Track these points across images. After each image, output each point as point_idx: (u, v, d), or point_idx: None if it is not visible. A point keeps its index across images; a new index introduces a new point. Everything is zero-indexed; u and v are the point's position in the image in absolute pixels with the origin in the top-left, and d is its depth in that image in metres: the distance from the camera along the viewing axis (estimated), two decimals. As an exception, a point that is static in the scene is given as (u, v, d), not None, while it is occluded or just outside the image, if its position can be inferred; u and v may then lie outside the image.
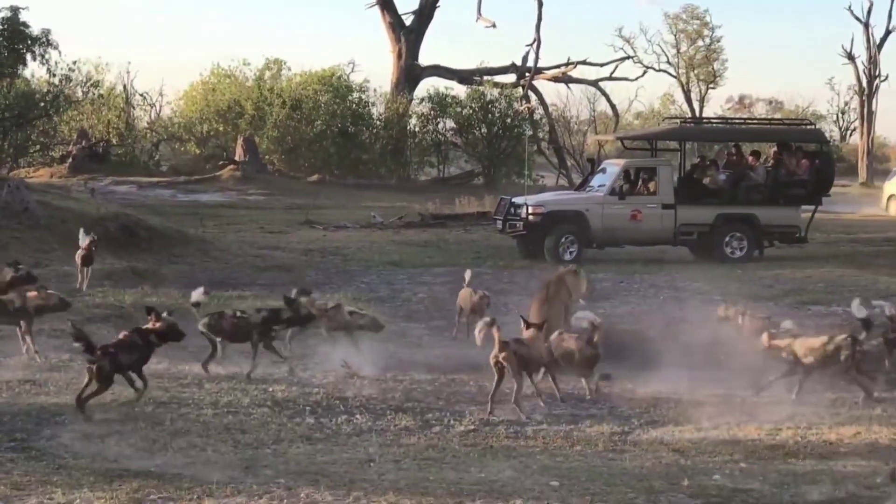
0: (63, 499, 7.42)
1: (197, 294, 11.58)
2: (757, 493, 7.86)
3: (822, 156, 23.52)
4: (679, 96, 66.74)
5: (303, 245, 23.67)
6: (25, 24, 36.05)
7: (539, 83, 49.84)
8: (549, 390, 10.73)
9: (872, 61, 57.01)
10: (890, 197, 36.95)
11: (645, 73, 59.43)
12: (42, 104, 40.11)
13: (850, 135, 68.60)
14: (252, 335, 11.43)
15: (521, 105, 46.91)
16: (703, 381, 11.39)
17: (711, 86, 66.48)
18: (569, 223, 22.08)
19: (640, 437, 9.46)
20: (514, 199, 23.09)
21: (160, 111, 51.67)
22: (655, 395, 11.00)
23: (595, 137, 41.07)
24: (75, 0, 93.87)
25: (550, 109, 49.87)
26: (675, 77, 65.16)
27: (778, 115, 61.34)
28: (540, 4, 48.73)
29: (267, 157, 45.41)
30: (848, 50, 57.08)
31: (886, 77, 57.39)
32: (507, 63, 49.94)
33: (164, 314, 10.31)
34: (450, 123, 47.19)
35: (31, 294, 12.13)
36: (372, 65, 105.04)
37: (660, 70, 63.42)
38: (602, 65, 52.68)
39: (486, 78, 48.49)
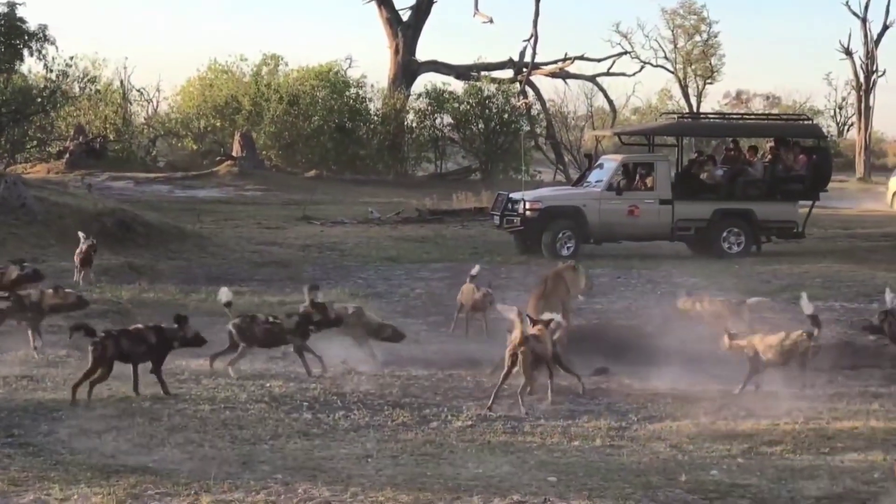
0: (60, 494, 7.41)
1: (225, 294, 11.46)
2: (754, 487, 7.86)
3: (820, 151, 23.54)
4: (676, 92, 66.68)
5: (300, 241, 23.67)
6: (22, 20, 36.07)
7: (536, 78, 49.86)
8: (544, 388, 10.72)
9: (870, 56, 57.00)
10: (895, 194, 36.90)
11: (642, 68, 59.41)
12: (39, 100, 40.08)
13: (848, 130, 68.56)
14: (285, 341, 11.36)
15: (519, 100, 46.91)
16: (700, 376, 11.41)
17: (709, 81, 66.42)
18: (566, 219, 22.09)
19: (638, 432, 9.45)
20: (511, 195, 23.07)
21: (157, 107, 51.63)
22: (653, 390, 11.00)
23: (592, 133, 41.02)
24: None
25: (548, 105, 49.91)
26: (672, 72, 65.10)
27: (775, 111, 61.24)
28: (537, 0, 48.73)
29: (264, 152, 45.38)
30: (845, 45, 57.12)
31: (884, 72, 57.43)
32: (505, 59, 49.96)
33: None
34: (447, 119, 47.22)
35: (50, 293, 12.25)
36: (369, 60, 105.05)
37: (657, 65, 63.34)
38: (599, 60, 52.65)
39: (483, 73, 48.50)
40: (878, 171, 56.98)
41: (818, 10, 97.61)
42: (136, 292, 15.84)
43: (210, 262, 19.99)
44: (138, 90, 50.30)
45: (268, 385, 10.73)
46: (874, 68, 57.10)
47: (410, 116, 47.23)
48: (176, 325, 10.45)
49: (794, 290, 17.40)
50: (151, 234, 21.01)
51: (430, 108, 46.94)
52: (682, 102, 64.49)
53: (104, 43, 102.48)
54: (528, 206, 22.19)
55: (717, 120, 28.35)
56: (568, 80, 51.90)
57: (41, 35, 36.13)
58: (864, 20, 56.47)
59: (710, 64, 65.72)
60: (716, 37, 65.52)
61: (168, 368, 10.46)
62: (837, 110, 69.53)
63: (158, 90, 51.64)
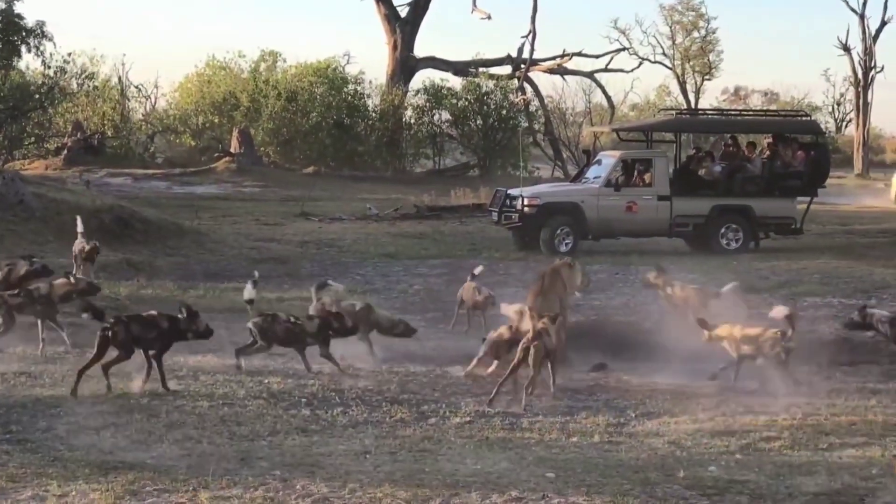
0: (58, 491, 7.41)
1: (249, 291, 11.45)
2: (752, 484, 7.86)
3: (818, 147, 23.53)
4: (675, 88, 66.64)
5: (298, 237, 23.65)
6: (20, 16, 35.95)
7: (534, 75, 49.79)
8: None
9: (868, 52, 56.97)
10: None
11: (640, 64, 59.31)
12: (37, 96, 39.99)
13: (846, 126, 68.54)
14: (304, 342, 11.34)
15: (517, 97, 46.86)
16: (698, 372, 11.42)
17: (707, 77, 66.37)
18: (564, 215, 22.09)
19: (636, 428, 9.46)
20: (509, 191, 23.07)
21: (155, 103, 51.60)
22: (651, 386, 11.01)
23: (590, 129, 40.96)
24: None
25: (546, 101, 49.86)
26: (670, 69, 65.04)
27: (773, 107, 61.32)
28: (535, -5, 48.65)
29: (262, 149, 45.33)
30: (843, 41, 57.12)
31: (882, 68, 57.40)
32: (503, 55, 49.84)
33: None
34: (445, 115, 47.12)
35: (60, 281, 12.40)
36: (367, 56, 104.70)
37: (655, 62, 63.26)
38: (598, 56, 52.60)
39: (481, 70, 48.43)
40: (877, 168, 57.09)
41: (816, 6, 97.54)
42: (134, 289, 15.84)
43: (208, 258, 19.99)
44: (136, 87, 50.31)
45: (266, 381, 10.73)
46: (872, 64, 57.10)
47: (408, 113, 47.16)
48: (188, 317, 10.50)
49: (792, 287, 17.49)
50: (149, 231, 21.02)
51: (428, 104, 46.88)
52: (681, 99, 64.46)
53: (102, 39, 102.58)
54: (526, 202, 22.19)
55: (716, 116, 28.29)
56: (566, 77, 51.92)
57: (39, 31, 36.02)
58: (862, 16, 56.48)
59: (709, 60, 65.67)
60: (714, 33, 65.52)
61: (166, 365, 10.45)
62: (835, 106, 69.54)
63: (156, 86, 51.70)
